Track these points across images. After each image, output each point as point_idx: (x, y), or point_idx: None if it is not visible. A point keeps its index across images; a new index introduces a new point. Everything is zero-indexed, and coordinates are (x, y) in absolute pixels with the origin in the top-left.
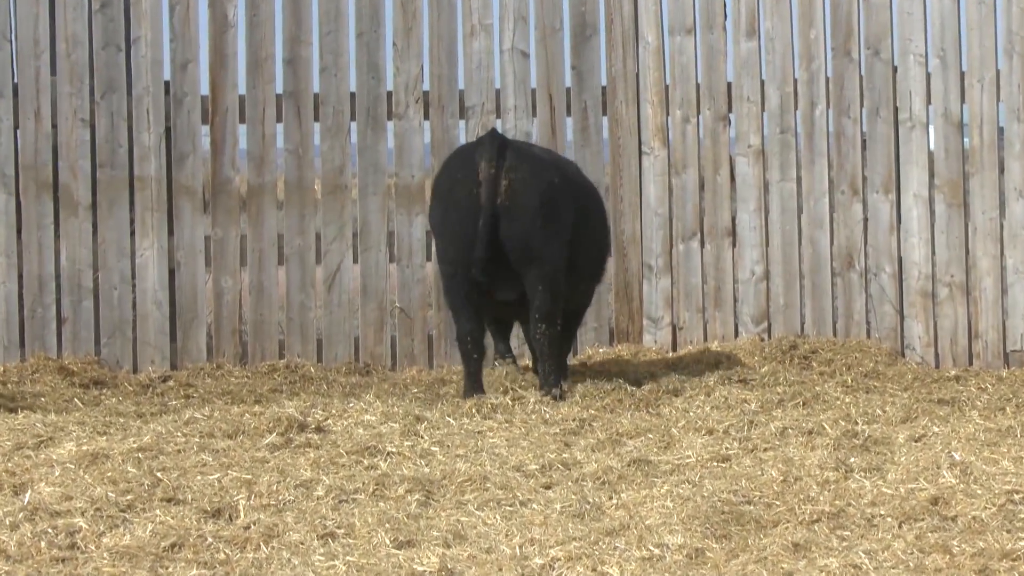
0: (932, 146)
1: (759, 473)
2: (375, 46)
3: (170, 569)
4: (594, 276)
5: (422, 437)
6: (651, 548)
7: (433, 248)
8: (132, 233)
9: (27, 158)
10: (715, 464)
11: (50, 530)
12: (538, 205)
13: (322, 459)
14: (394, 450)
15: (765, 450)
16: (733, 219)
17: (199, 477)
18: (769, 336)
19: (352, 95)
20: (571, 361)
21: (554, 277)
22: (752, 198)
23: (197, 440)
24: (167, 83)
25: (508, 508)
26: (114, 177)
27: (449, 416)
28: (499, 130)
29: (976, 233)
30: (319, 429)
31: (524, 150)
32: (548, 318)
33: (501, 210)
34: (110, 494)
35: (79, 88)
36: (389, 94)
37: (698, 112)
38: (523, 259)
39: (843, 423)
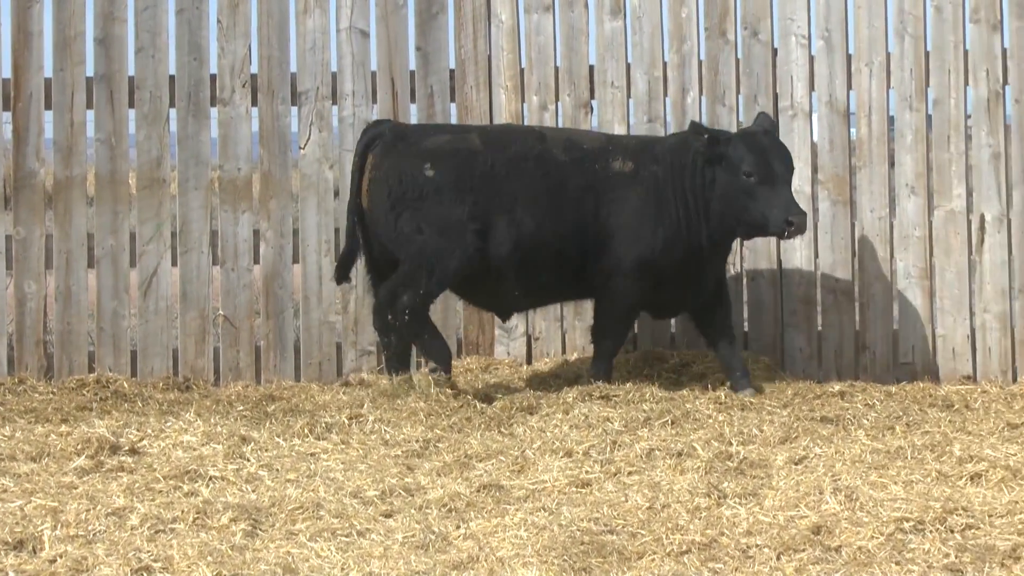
0: (815, 137)
1: (623, 499)
2: (197, 24)
3: None
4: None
5: (248, 460)
6: None
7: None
8: None
9: None
10: (574, 490)
11: None
12: (387, 210)
13: (136, 484)
14: (217, 474)
15: (629, 474)
16: None
17: None
18: (635, 347)
19: (172, 78)
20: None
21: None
22: None
23: None
24: None
25: (344, 539)
26: None
27: (278, 436)
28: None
29: (864, 233)
30: (133, 451)
31: (394, 145)
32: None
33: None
34: None
35: None
36: (213, 77)
37: (557, 99)
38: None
39: (716, 444)
